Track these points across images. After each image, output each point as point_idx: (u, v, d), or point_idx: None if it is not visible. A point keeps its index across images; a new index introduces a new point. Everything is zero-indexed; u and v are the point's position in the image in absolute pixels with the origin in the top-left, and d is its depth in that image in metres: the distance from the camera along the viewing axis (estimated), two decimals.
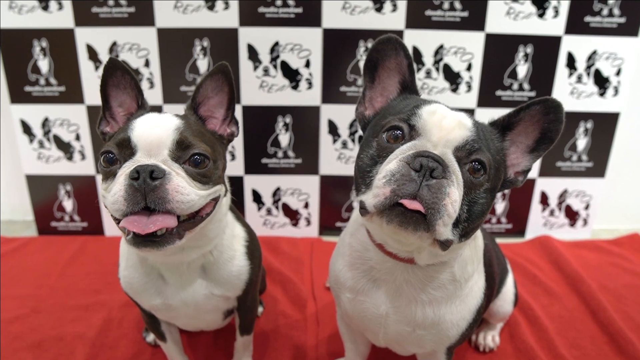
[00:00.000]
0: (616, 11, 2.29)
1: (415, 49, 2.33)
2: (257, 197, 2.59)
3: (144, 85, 2.34)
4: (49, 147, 2.46)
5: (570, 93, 2.45)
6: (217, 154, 1.18)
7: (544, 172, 2.60)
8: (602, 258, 2.45)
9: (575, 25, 2.31)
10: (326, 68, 2.34)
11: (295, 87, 2.37)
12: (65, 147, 2.46)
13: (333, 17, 2.25)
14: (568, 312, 2.00)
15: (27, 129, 2.43)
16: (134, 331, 1.82)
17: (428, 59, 2.35)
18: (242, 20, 2.26)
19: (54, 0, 2.19)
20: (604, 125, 2.51)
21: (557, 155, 2.56)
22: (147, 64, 2.32)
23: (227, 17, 2.25)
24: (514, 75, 2.40)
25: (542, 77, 2.41)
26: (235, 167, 2.51)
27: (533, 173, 2.59)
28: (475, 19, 2.29)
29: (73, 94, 2.36)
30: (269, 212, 2.62)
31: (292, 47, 2.30)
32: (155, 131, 1.07)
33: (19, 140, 2.45)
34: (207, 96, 1.24)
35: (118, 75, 1.19)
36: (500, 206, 2.68)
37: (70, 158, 2.49)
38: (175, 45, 2.29)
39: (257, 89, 2.36)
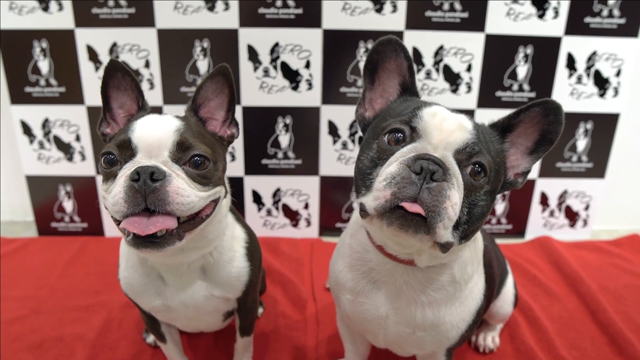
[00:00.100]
0: (616, 12, 2.29)
1: (415, 50, 2.33)
2: (257, 198, 2.59)
3: (144, 86, 2.34)
4: (49, 148, 2.46)
5: (570, 94, 2.45)
6: (217, 156, 1.18)
7: (544, 173, 2.60)
8: (602, 259, 2.45)
9: (575, 26, 2.31)
10: (326, 69, 2.34)
11: (295, 88, 2.37)
12: (65, 148, 2.46)
13: (333, 17, 2.25)
14: (568, 313, 2.00)
15: (27, 129, 2.43)
16: (134, 332, 1.82)
17: (428, 60, 2.35)
18: (242, 21, 2.26)
19: (54, 1, 2.19)
20: (604, 126, 2.51)
21: (557, 156, 2.56)
22: (147, 64, 2.32)
23: (227, 18, 2.25)
24: (514, 76, 2.40)
25: (542, 78, 2.41)
26: (235, 167, 2.51)
27: (533, 174, 2.59)
28: (475, 20, 2.29)
29: (73, 95, 2.36)
30: (269, 212, 2.62)
31: (292, 48, 2.31)
32: (156, 132, 1.07)
33: (19, 141, 2.45)
34: (207, 98, 1.24)
35: (119, 76, 1.19)
36: (500, 207, 2.68)
37: (70, 159, 2.49)
38: (176, 46, 2.29)
39: (257, 89, 2.37)
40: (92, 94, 2.36)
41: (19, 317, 1.88)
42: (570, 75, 2.41)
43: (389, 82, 1.17)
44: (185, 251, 1.20)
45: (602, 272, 2.30)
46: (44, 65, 2.31)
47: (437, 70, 2.37)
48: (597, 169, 2.61)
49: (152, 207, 1.01)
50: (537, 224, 2.72)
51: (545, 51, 2.35)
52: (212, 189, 1.13)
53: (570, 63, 2.39)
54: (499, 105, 2.44)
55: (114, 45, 2.28)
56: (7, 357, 1.68)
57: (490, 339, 1.78)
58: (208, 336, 1.81)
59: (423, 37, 2.31)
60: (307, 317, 1.94)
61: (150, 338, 1.76)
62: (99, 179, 1.13)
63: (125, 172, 1.03)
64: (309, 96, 2.39)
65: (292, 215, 2.64)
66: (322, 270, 2.24)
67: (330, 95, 2.39)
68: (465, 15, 2.27)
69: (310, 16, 2.25)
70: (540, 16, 2.29)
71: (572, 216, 2.72)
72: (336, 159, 2.51)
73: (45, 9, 2.21)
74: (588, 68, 2.40)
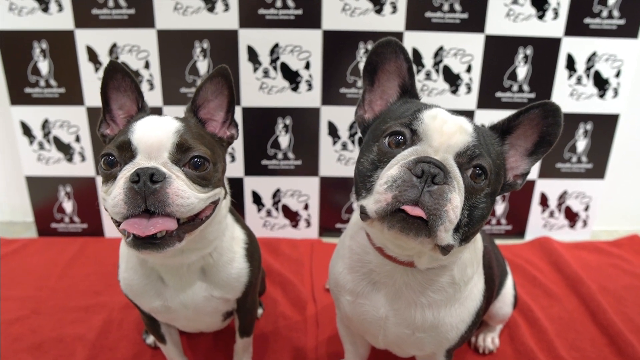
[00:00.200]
0: (616, 13, 2.29)
1: (415, 51, 2.33)
2: (257, 199, 2.59)
3: (144, 86, 2.35)
4: (49, 149, 2.46)
5: (570, 95, 2.45)
6: (217, 157, 1.18)
7: (543, 174, 2.60)
8: (601, 259, 2.45)
9: (575, 27, 2.31)
10: (326, 69, 2.34)
11: (295, 89, 2.37)
12: (65, 149, 2.47)
13: (333, 18, 2.25)
14: (568, 314, 2.00)
15: (27, 130, 2.43)
16: (134, 333, 1.82)
17: (428, 61, 2.35)
18: (242, 22, 2.26)
19: (54, 1, 2.20)
20: (604, 127, 2.51)
21: (556, 157, 2.56)
22: (147, 65, 2.32)
23: (227, 19, 2.25)
24: (513, 76, 2.40)
25: (542, 78, 2.41)
26: (235, 168, 2.51)
27: (533, 174, 2.59)
28: (475, 21, 2.29)
29: (73, 96, 2.36)
30: (268, 213, 2.62)
31: (292, 48, 2.31)
32: (156, 134, 1.07)
33: (19, 142, 2.45)
34: (207, 99, 1.24)
35: (118, 77, 1.19)
36: (500, 207, 2.68)
37: (70, 159, 2.49)
38: (175, 46, 2.29)
39: (257, 90, 2.37)
40: (92, 95, 2.36)
41: (19, 318, 1.88)
42: (570, 76, 2.41)
43: (389, 84, 1.17)
44: (185, 252, 1.20)
45: (602, 273, 2.30)
46: (44, 66, 2.31)
47: (437, 71, 2.37)
48: (597, 170, 2.61)
49: (152, 209, 1.01)
50: (537, 225, 2.72)
51: (545, 52, 2.36)
52: (211, 190, 1.13)
53: (570, 64, 2.39)
54: (498, 106, 2.44)
55: (114, 46, 2.29)
56: (7, 357, 1.68)
57: (490, 340, 1.78)
58: (208, 337, 1.81)
59: (423, 38, 2.31)
60: (307, 318, 1.94)
61: (150, 339, 1.76)
62: (99, 179, 1.13)
63: (125, 173, 1.04)
64: (309, 97, 2.39)
65: (292, 216, 2.64)
66: (322, 271, 2.24)
67: (330, 96, 2.39)
68: (465, 16, 2.28)
69: (310, 17, 2.25)
70: (540, 17, 2.29)
71: (572, 217, 2.72)
72: (336, 160, 2.51)
73: (45, 9, 2.21)
74: (588, 69, 2.40)
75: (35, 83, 2.34)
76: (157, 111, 2.38)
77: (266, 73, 2.34)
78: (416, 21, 2.28)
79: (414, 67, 2.34)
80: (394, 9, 2.25)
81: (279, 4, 2.23)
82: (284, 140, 2.47)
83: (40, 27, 2.24)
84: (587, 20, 2.31)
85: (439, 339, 1.21)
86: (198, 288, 1.30)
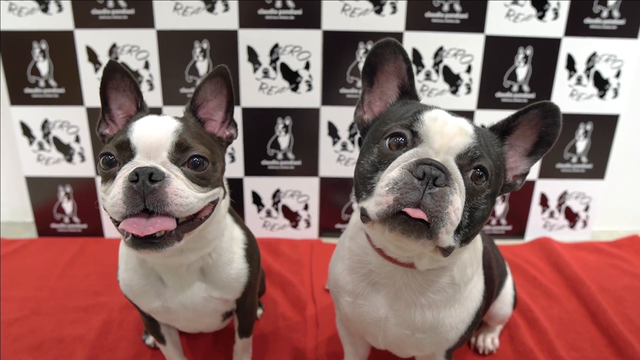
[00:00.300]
0: (616, 13, 2.29)
1: (415, 51, 2.33)
2: (256, 199, 2.59)
3: (144, 87, 2.35)
4: (48, 149, 2.46)
5: (570, 95, 2.45)
6: (216, 156, 1.18)
7: (543, 174, 2.60)
8: (601, 260, 2.45)
9: (575, 27, 2.31)
10: (326, 70, 2.34)
11: (295, 89, 2.37)
12: (64, 149, 2.47)
13: (333, 19, 2.25)
14: (568, 314, 2.00)
15: (26, 130, 2.43)
16: (133, 333, 1.82)
17: (428, 61, 2.35)
18: (242, 22, 2.26)
19: (54, 2, 2.20)
20: (604, 127, 2.51)
21: (556, 157, 2.56)
22: (146, 65, 2.32)
23: (226, 19, 2.25)
24: (513, 77, 2.40)
25: (542, 79, 2.41)
26: (235, 169, 2.51)
27: (533, 175, 2.59)
28: (475, 21, 2.29)
29: (73, 96, 2.36)
30: (268, 213, 2.62)
31: (291, 49, 2.31)
32: (155, 133, 1.07)
33: (19, 142, 2.45)
34: (206, 99, 1.24)
35: (117, 77, 1.20)
36: (500, 208, 2.68)
37: (70, 160, 2.49)
38: (175, 47, 2.29)
39: (256, 90, 2.37)
40: (92, 95, 2.36)
41: (19, 318, 1.88)
42: (570, 76, 2.41)
43: (388, 85, 1.17)
44: (184, 252, 1.20)
45: (602, 273, 2.30)
46: (44, 66, 2.31)
47: (437, 71, 2.37)
48: (597, 170, 2.61)
49: (151, 208, 1.01)
50: (536, 225, 2.72)
51: (545, 52, 2.35)
52: (210, 189, 1.13)
53: (570, 64, 2.39)
54: (498, 106, 2.44)
55: (114, 46, 2.29)
56: (6, 357, 1.68)
57: (490, 340, 1.78)
58: (207, 337, 1.81)
59: (423, 38, 2.31)
60: (307, 319, 1.94)
61: (150, 339, 1.76)
62: (99, 180, 1.13)
63: (124, 173, 1.04)
64: (309, 97, 2.39)
65: (292, 216, 2.64)
66: (322, 271, 2.24)
67: (330, 96, 2.39)
68: (465, 16, 2.27)
69: (309, 17, 2.25)
70: (540, 17, 2.29)
71: (572, 217, 2.72)
72: (336, 160, 2.51)
73: (45, 10, 2.21)
74: (588, 69, 2.40)
75: (35, 83, 2.34)
76: (157, 111, 2.38)
77: (266, 73, 2.34)
78: (416, 21, 2.28)
79: (414, 68, 2.34)
80: (394, 9, 2.25)
81: (278, 4, 2.23)
82: (284, 140, 2.46)
83: (40, 27, 2.24)
84: (587, 21, 2.31)
85: (439, 339, 1.21)
86: (197, 288, 1.30)
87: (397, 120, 1.04)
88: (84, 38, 2.26)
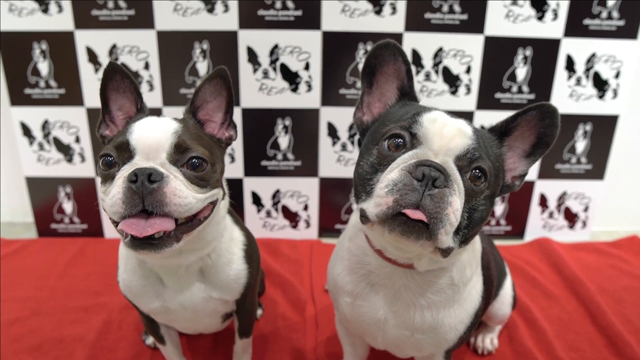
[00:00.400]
0: (615, 14, 2.29)
1: (415, 52, 2.33)
2: (256, 200, 2.59)
3: (144, 87, 2.35)
4: (48, 150, 2.47)
5: (570, 95, 2.45)
6: (215, 158, 1.19)
7: (543, 175, 2.60)
8: (601, 260, 2.45)
9: (575, 28, 2.32)
10: (325, 70, 2.34)
11: (294, 90, 2.38)
12: (65, 150, 2.47)
13: (332, 19, 2.26)
14: (567, 315, 2.00)
15: (27, 131, 2.43)
16: (133, 333, 1.83)
17: (427, 62, 2.36)
18: (242, 23, 2.26)
19: (54, 2, 2.20)
20: (603, 128, 2.51)
21: (556, 158, 2.57)
22: (146, 66, 2.32)
23: (226, 20, 2.25)
24: (513, 77, 2.40)
25: (542, 79, 2.41)
26: (234, 169, 2.51)
27: (532, 175, 2.59)
28: (474, 22, 2.29)
29: (73, 97, 2.37)
30: (268, 214, 2.62)
31: (291, 49, 2.31)
32: (154, 134, 1.08)
33: (19, 143, 2.45)
34: (205, 100, 1.24)
35: (117, 79, 1.20)
36: (499, 208, 2.69)
37: (70, 160, 2.49)
38: (175, 47, 2.30)
39: (256, 91, 2.37)
40: (92, 96, 2.36)
41: (19, 319, 1.89)
42: (570, 77, 2.41)
43: (387, 86, 1.17)
44: (183, 253, 1.20)
45: (602, 274, 2.30)
46: (44, 66, 2.32)
47: (437, 72, 2.37)
48: (597, 171, 2.61)
49: (150, 209, 1.01)
50: (536, 226, 2.73)
51: (544, 53, 2.36)
52: (209, 190, 1.14)
53: (570, 65, 2.39)
54: (498, 107, 2.44)
55: (114, 46, 2.29)
56: (7, 358, 1.69)
57: (489, 341, 1.78)
58: (207, 338, 1.81)
59: (422, 39, 2.31)
60: (306, 319, 1.94)
61: (150, 339, 1.76)
62: (99, 180, 1.13)
63: (123, 173, 1.04)
64: (309, 98, 2.39)
65: (292, 217, 2.64)
66: (322, 271, 2.24)
67: (330, 97, 2.39)
68: (464, 17, 2.28)
69: (309, 18, 2.26)
70: (540, 18, 2.29)
71: (571, 217, 2.72)
72: (335, 161, 2.51)
73: (45, 10, 2.22)
74: (587, 70, 2.40)
75: (35, 84, 2.34)
76: (157, 112, 2.38)
77: (266, 74, 2.34)
78: (416, 22, 2.28)
79: (414, 69, 2.35)
80: (394, 10, 2.25)
81: (278, 5, 2.24)
82: (284, 141, 2.47)
83: (40, 28, 2.24)
84: (587, 21, 2.31)
85: (438, 340, 1.21)
86: (197, 289, 1.30)
87: (396, 122, 1.05)
88: (84, 39, 2.27)
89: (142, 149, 1.06)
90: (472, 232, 1.03)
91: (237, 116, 2.40)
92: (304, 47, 2.31)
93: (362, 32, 2.28)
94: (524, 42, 2.33)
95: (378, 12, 2.25)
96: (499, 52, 2.35)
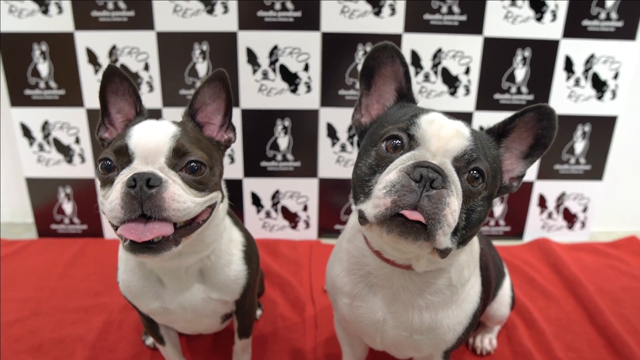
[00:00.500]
0: (614, 15, 2.30)
1: (414, 53, 2.34)
2: (256, 200, 2.60)
3: (144, 88, 2.35)
4: (48, 150, 2.47)
5: (568, 96, 2.45)
6: (214, 161, 1.19)
7: (542, 175, 2.61)
8: (600, 261, 2.45)
9: (573, 29, 2.32)
10: (325, 71, 2.35)
11: (294, 91, 2.38)
12: (65, 150, 2.47)
13: (332, 20, 2.26)
14: (565, 315, 2.00)
15: (27, 132, 2.44)
16: (133, 334, 1.83)
17: (426, 63, 2.36)
18: (241, 24, 2.26)
19: (54, 4, 2.20)
20: (602, 129, 2.52)
21: (555, 158, 2.57)
22: (146, 67, 2.33)
23: (226, 21, 2.26)
24: (512, 78, 2.41)
25: (540, 80, 2.42)
26: (234, 170, 2.52)
27: (531, 176, 2.59)
28: (473, 23, 2.29)
29: (73, 97, 2.37)
30: (268, 214, 2.63)
31: (291, 50, 2.31)
32: (153, 138, 1.08)
33: (19, 143, 2.46)
34: (204, 103, 1.25)
35: (117, 82, 1.20)
36: (498, 209, 2.69)
37: (70, 161, 2.50)
38: (175, 48, 2.30)
39: (256, 92, 2.37)
40: (92, 97, 2.37)
41: (19, 319, 1.89)
42: (568, 77, 2.42)
43: (385, 88, 1.17)
44: (182, 255, 1.20)
45: (600, 274, 2.31)
46: (44, 67, 2.32)
47: (436, 73, 2.38)
48: (595, 171, 2.61)
49: (149, 214, 1.02)
50: (535, 226, 2.73)
51: (543, 54, 2.36)
52: (208, 194, 1.14)
53: (568, 66, 2.39)
54: (497, 107, 2.45)
55: (114, 48, 2.29)
56: (7, 358, 1.69)
57: (488, 341, 1.79)
58: (207, 338, 1.82)
59: (421, 40, 2.32)
60: (306, 319, 1.95)
61: (150, 340, 1.77)
62: (98, 183, 1.14)
63: (122, 178, 1.04)
64: (308, 99, 2.40)
65: (291, 217, 2.64)
66: (321, 272, 2.23)
67: (329, 97, 2.40)
68: (463, 18, 2.28)
69: (309, 19, 2.26)
70: (538, 19, 2.30)
71: (570, 218, 2.72)
72: (335, 161, 2.52)
73: (45, 11, 2.22)
74: (586, 71, 2.41)
75: (35, 85, 2.35)
76: (157, 113, 2.39)
77: (265, 75, 2.35)
78: (415, 23, 2.28)
79: (413, 70, 2.35)
80: (393, 11, 2.25)
81: (278, 6, 2.24)
82: (283, 141, 2.47)
83: (40, 29, 2.25)
84: (585, 22, 2.32)
85: (437, 340, 1.22)
86: (196, 290, 1.30)
87: (394, 124, 1.05)
88: (84, 40, 2.27)
89: (141, 153, 1.07)
90: (470, 233, 1.03)
91: (237, 117, 2.40)
92: (304, 48, 2.31)
93: (361, 33, 2.29)
94: (523, 43, 2.34)
95: (377, 13, 2.26)
96: (498, 53, 2.35)
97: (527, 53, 2.36)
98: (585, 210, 2.70)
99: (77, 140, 2.45)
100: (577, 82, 2.42)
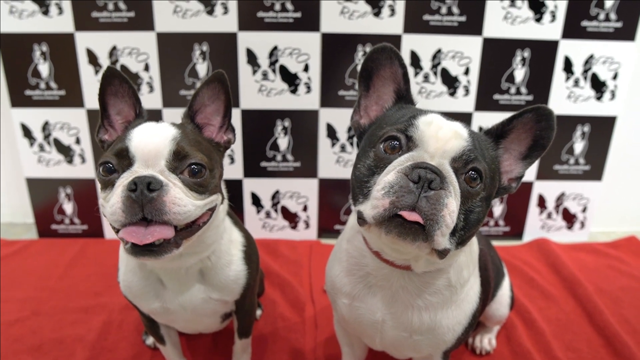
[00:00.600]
0: (613, 16, 2.30)
1: (413, 54, 2.34)
2: (256, 200, 2.60)
3: (144, 89, 2.36)
4: (49, 151, 2.48)
5: (568, 97, 2.46)
6: (214, 163, 1.19)
7: (541, 175, 2.61)
8: (599, 261, 2.46)
9: (572, 30, 2.32)
10: (325, 72, 2.35)
11: (294, 91, 2.39)
12: (65, 151, 2.48)
13: (331, 21, 2.27)
14: (565, 315, 2.01)
15: (27, 132, 2.44)
16: (133, 334, 1.84)
17: (426, 64, 2.36)
18: (241, 25, 2.27)
19: (54, 4, 2.21)
20: (601, 129, 2.52)
21: (554, 159, 2.57)
22: (146, 68, 2.33)
23: (226, 22, 2.26)
24: (511, 79, 2.41)
25: (540, 81, 2.42)
26: (234, 170, 2.52)
27: (531, 176, 2.60)
28: (472, 24, 2.30)
29: (73, 98, 2.38)
30: (268, 215, 2.63)
31: (290, 51, 2.32)
32: (153, 141, 1.08)
33: (20, 144, 2.46)
34: (203, 104, 1.25)
35: (116, 83, 1.20)
36: (498, 209, 2.70)
37: (70, 161, 2.50)
38: (175, 49, 2.30)
39: (256, 93, 2.38)
40: (92, 97, 2.37)
41: (19, 319, 1.89)
42: (568, 78, 2.42)
43: (384, 90, 1.17)
44: (183, 256, 1.21)
45: (599, 274, 2.31)
46: (44, 68, 2.33)
47: (435, 73, 2.38)
48: (595, 172, 2.62)
49: (149, 217, 1.02)
50: (534, 226, 2.73)
51: (542, 54, 2.37)
52: (208, 197, 1.14)
53: (568, 66, 2.40)
54: (496, 108, 2.45)
55: (114, 48, 2.30)
56: (7, 358, 1.70)
57: (487, 341, 1.79)
58: (207, 338, 1.82)
59: (421, 41, 2.32)
60: (306, 320, 1.95)
61: (150, 340, 1.77)
62: (99, 185, 1.15)
63: (122, 181, 1.05)
64: (308, 99, 2.40)
65: (291, 218, 2.65)
66: (321, 272, 2.23)
67: (329, 98, 2.40)
68: (462, 18, 2.29)
69: (308, 20, 2.27)
70: (538, 20, 2.30)
71: (569, 218, 2.73)
72: (335, 162, 2.52)
73: (45, 12, 2.22)
74: (585, 71, 2.41)
75: (35, 85, 2.35)
76: (157, 114, 2.39)
77: (265, 75, 2.35)
78: (414, 24, 2.29)
79: (412, 70, 2.36)
80: (392, 11, 2.26)
81: (277, 6, 2.24)
82: (283, 142, 2.48)
83: (41, 29, 2.25)
84: (585, 23, 2.32)
85: (436, 341, 1.22)
86: (196, 290, 1.31)
87: (393, 125, 1.05)
88: (85, 40, 2.28)
89: (141, 156, 1.07)
90: (469, 234, 1.03)
91: (237, 117, 2.41)
92: (303, 49, 2.32)
93: (361, 33, 2.29)
94: (522, 43, 2.34)
95: (377, 14, 2.26)
96: (498, 53, 2.35)
97: (527, 54, 2.36)
98: (584, 210, 2.71)
99: (78, 141, 2.46)
100: (576, 83, 2.43)
